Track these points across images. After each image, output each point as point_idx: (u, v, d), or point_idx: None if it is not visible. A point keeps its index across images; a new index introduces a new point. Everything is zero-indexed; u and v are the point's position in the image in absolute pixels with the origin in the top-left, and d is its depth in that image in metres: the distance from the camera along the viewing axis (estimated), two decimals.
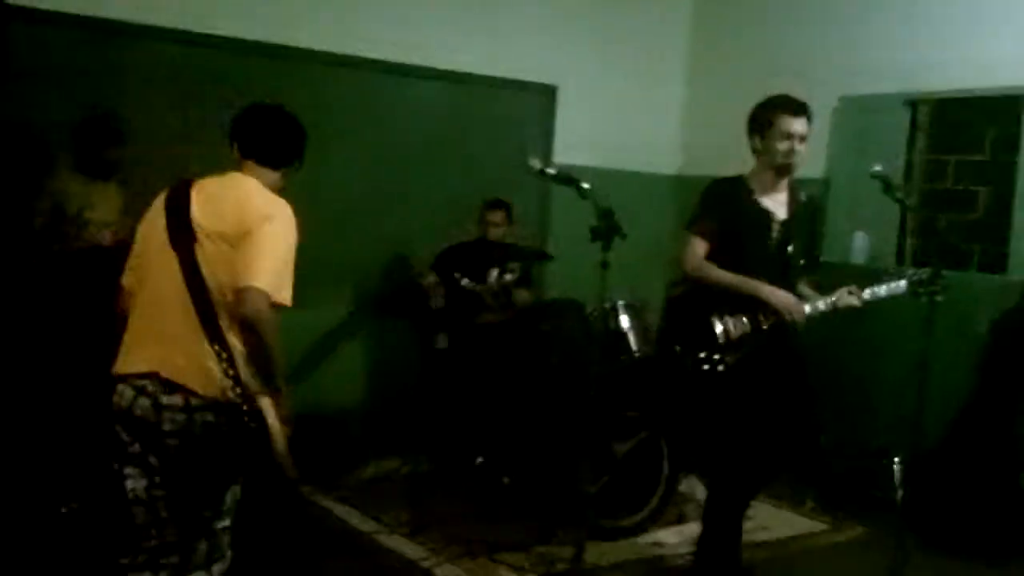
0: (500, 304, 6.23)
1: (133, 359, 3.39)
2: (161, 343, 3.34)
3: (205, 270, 3.33)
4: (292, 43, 6.34)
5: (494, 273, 6.33)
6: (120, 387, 3.37)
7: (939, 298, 4.49)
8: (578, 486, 4.49)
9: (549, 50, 7.53)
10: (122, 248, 3.77)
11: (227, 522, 3.48)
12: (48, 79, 5.62)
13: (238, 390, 3.26)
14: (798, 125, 4.59)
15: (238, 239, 3.33)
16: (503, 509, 5.66)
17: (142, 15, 5.87)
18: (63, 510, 5.05)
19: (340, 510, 5.75)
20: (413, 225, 6.99)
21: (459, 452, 5.90)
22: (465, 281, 6.20)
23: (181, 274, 3.34)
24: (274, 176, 3.64)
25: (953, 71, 6.32)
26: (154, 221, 3.50)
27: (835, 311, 4.71)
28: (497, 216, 6.46)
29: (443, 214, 6.97)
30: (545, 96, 7.59)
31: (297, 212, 6.31)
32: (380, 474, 6.25)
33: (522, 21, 7.39)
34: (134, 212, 5.20)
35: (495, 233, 6.44)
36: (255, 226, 3.34)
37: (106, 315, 3.65)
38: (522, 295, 6.47)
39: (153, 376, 3.31)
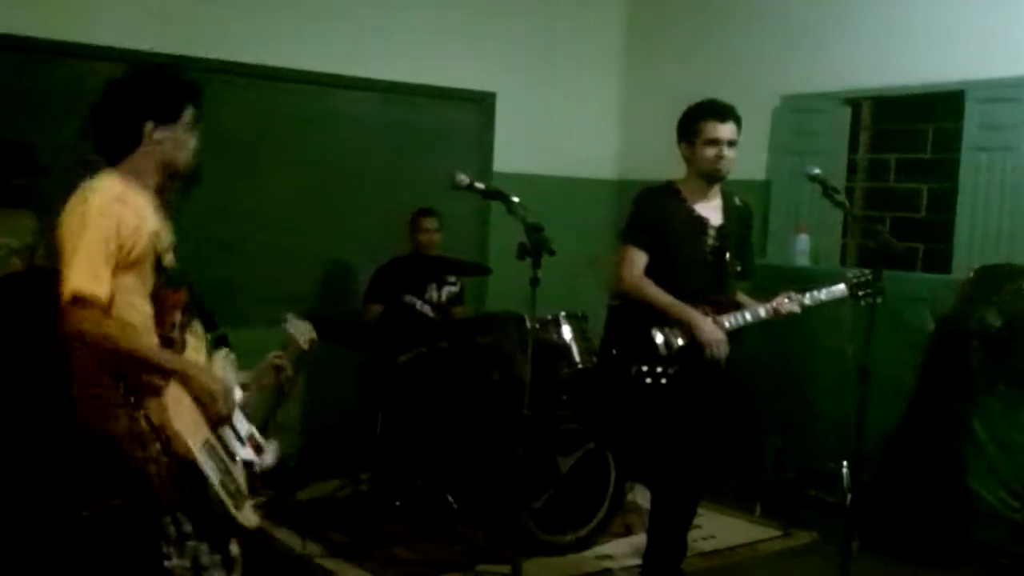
0: (440, 320, 6.13)
1: None
2: None
3: None
4: (219, 56, 6.22)
5: (433, 287, 6.24)
6: None
7: (880, 300, 4.40)
8: (517, 502, 4.38)
9: (485, 58, 7.46)
10: (34, 274, 3.50)
11: (183, 562, 3.14)
12: None
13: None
14: (725, 131, 4.52)
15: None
16: (445, 528, 5.55)
17: (56, 31, 5.73)
18: None
19: (280, 533, 5.58)
20: (350, 241, 6.92)
21: (399, 472, 5.78)
22: (407, 298, 6.09)
23: None
24: (125, 164, 3.15)
25: (893, 68, 6.29)
26: None
27: (776, 317, 4.64)
28: (432, 222, 6.36)
29: (380, 229, 6.86)
30: (483, 104, 7.51)
31: (230, 229, 6.25)
32: (319, 496, 6.09)
33: (457, 29, 7.30)
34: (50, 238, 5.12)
35: (428, 239, 6.34)
36: (66, 237, 3.00)
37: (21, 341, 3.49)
38: (458, 312, 6.44)
39: None
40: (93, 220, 2.96)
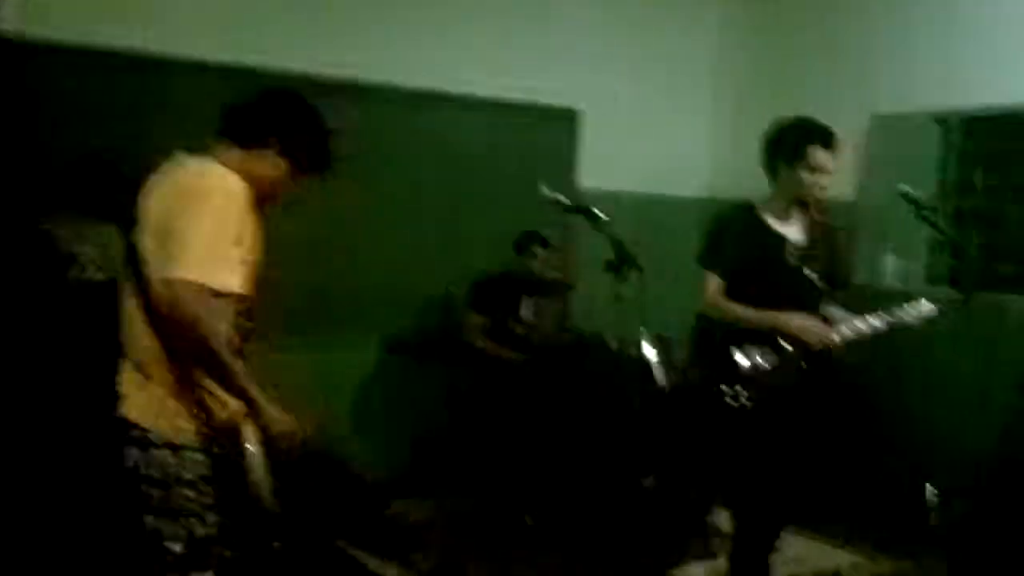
0: (533, 338, 6.14)
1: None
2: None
3: (149, 277, 2.89)
4: (311, 72, 6.23)
5: (526, 303, 6.25)
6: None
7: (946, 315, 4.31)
8: (604, 525, 4.33)
9: (572, 73, 7.41)
10: (113, 287, 3.39)
11: None
12: (46, 115, 5.58)
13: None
14: (830, 159, 4.38)
15: (171, 225, 2.85)
16: (531, 551, 5.52)
17: (163, 46, 5.82)
18: None
19: (369, 560, 5.55)
20: (438, 259, 6.92)
21: (486, 495, 5.77)
22: (509, 321, 6.15)
23: (135, 301, 2.93)
24: (238, 155, 3.06)
25: (985, 87, 6.18)
26: None
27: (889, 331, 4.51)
28: (543, 252, 6.39)
29: (469, 247, 6.90)
30: (567, 120, 7.47)
31: (321, 250, 6.29)
32: (410, 518, 6.10)
33: (544, 45, 7.28)
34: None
35: (540, 269, 6.34)
36: (183, 207, 2.85)
37: (103, 352, 3.41)
38: (547, 326, 6.48)
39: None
40: (220, 200, 2.87)
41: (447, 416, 6.23)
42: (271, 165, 3.12)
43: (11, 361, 5.07)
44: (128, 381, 2.99)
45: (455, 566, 5.34)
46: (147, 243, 2.90)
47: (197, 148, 3.11)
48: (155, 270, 2.84)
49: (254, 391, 2.89)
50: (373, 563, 5.45)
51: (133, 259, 2.93)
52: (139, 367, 2.95)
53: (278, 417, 2.94)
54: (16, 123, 5.42)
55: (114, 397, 3.03)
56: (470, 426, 5.84)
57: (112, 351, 3.10)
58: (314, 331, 6.39)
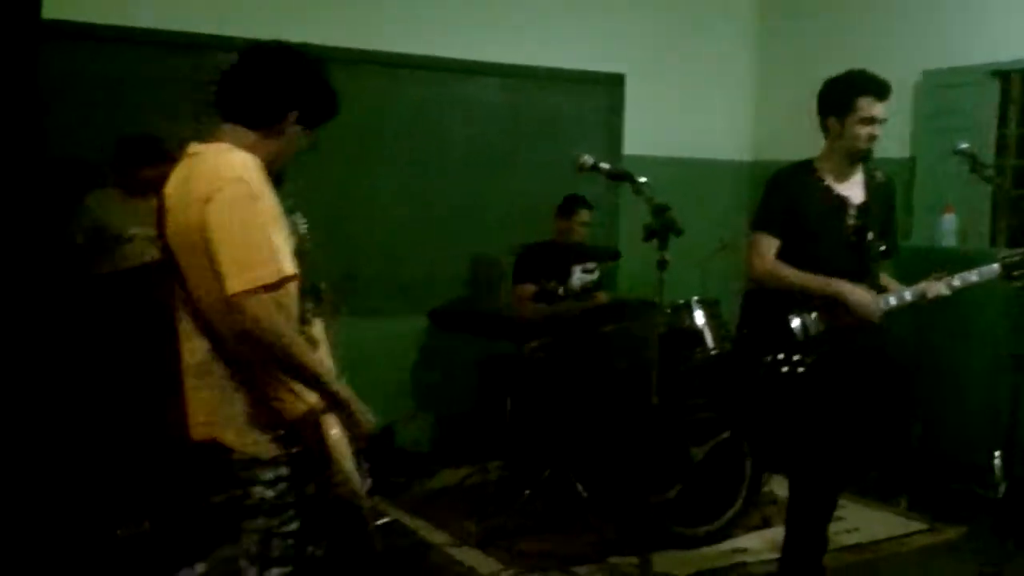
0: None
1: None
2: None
3: (193, 289, 2.82)
4: (340, 43, 6.17)
5: (577, 271, 6.19)
6: None
7: None
8: (645, 493, 4.23)
9: (614, 39, 7.31)
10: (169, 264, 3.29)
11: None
12: (87, 95, 5.61)
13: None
14: (882, 109, 4.24)
15: (198, 236, 2.72)
16: (575, 519, 5.45)
17: (184, 24, 5.82)
18: (119, 532, 4.88)
19: (410, 521, 5.59)
20: (476, 230, 6.88)
21: (529, 461, 5.70)
22: (551, 284, 6.08)
23: (176, 298, 2.86)
24: (250, 138, 2.87)
25: None
26: None
27: (923, 301, 4.39)
28: (586, 215, 6.26)
29: (511, 215, 6.86)
30: (612, 86, 7.36)
31: (352, 218, 6.26)
32: (449, 484, 6.10)
33: (583, 10, 7.18)
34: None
35: (581, 233, 6.25)
36: (202, 215, 2.70)
37: (156, 332, 3.27)
38: (600, 298, 6.36)
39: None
40: (243, 201, 2.70)
41: (485, 386, 6.18)
42: (292, 140, 2.96)
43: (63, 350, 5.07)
44: (191, 397, 2.88)
45: (503, 534, 5.28)
46: (187, 256, 2.80)
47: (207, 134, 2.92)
48: (208, 290, 2.74)
49: (342, 391, 2.81)
50: (424, 532, 5.45)
51: (176, 274, 2.83)
52: (199, 379, 2.86)
53: (365, 414, 2.86)
54: (54, 105, 5.40)
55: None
56: (510, 395, 5.74)
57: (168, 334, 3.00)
58: (353, 304, 6.38)
